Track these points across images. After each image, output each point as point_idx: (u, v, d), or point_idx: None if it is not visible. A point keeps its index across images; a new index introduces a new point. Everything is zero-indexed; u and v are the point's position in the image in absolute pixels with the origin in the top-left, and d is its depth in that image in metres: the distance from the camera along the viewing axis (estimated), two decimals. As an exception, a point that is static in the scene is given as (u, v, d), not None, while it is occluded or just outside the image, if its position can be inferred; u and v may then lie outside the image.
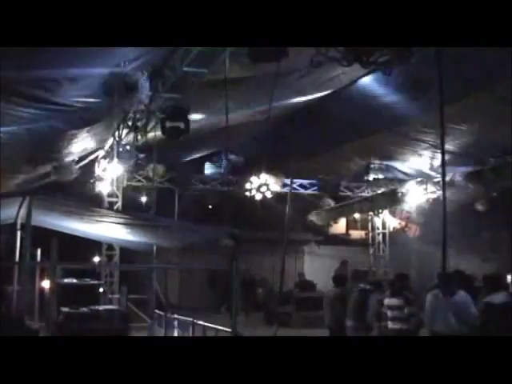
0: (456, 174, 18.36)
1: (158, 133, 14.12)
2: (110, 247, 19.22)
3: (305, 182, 22.39)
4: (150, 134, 15.38)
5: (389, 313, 11.77)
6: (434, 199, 19.56)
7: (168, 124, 13.42)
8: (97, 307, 15.36)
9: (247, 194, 20.89)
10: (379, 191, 22.08)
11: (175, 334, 13.80)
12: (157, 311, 15.30)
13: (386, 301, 11.91)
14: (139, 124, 15.43)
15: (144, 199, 20.58)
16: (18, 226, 13.48)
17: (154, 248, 14.24)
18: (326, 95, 14.54)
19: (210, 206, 22.56)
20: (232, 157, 19.98)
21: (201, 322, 13.26)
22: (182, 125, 13.32)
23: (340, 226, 26.17)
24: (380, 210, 23.44)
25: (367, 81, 13.25)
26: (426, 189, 20.14)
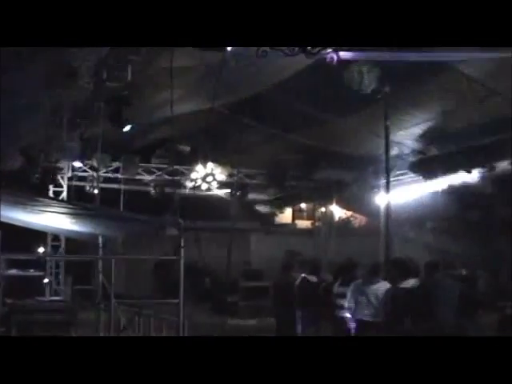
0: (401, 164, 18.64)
1: (104, 122, 13.99)
2: (56, 238, 19.02)
3: (251, 171, 22.38)
4: (95, 123, 15.21)
5: (338, 301, 11.90)
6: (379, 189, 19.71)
7: (113, 113, 13.31)
8: (42, 298, 15.21)
9: (193, 183, 20.82)
10: (326, 181, 22.22)
11: (121, 324, 13.72)
12: (102, 301, 15.18)
13: (335, 289, 12.03)
14: (83, 113, 15.25)
15: (89, 189, 20.39)
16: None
17: (100, 238, 14.12)
18: (272, 85, 14.54)
19: (156, 196, 22.44)
20: (178, 146, 19.89)
21: (147, 312, 13.24)
22: (126, 114, 13.23)
23: (286, 216, 26.28)
24: (326, 200, 23.57)
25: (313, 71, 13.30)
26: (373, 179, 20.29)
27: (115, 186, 20.94)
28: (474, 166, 16.93)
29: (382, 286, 10.87)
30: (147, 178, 21.67)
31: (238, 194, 21.91)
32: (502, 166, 16.45)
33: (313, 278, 12.83)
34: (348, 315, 11.52)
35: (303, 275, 12.97)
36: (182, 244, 10.66)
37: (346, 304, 11.18)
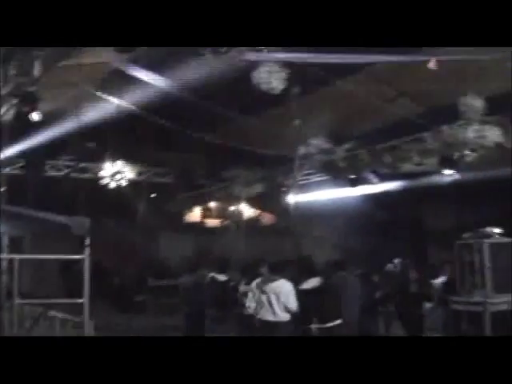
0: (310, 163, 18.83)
1: (8, 117, 13.66)
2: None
3: (160, 170, 22.23)
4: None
5: (243, 300, 11.93)
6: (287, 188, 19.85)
7: (19, 109, 13.02)
8: None
9: (102, 181, 20.54)
10: (236, 180, 22.25)
11: (27, 323, 13.44)
12: (6, 301, 14.83)
13: (241, 288, 12.06)
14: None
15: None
16: None
17: (6, 237, 13.79)
18: (182, 84, 14.46)
19: (63, 194, 22.03)
20: (87, 143, 19.60)
21: (53, 312, 12.99)
22: (34, 110, 12.95)
23: (195, 214, 26.19)
24: (235, 199, 23.60)
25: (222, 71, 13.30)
26: (282, 178, 20.42)
27: (22, 183, 20.47)
28: (381, 167, 17.24)
29: (283, 285, 10.91)
30: (56, 174, 21.26)
31: (146, 192, 21.76)
32: (408, 166, 16.79)
33: (221, 277, 12.83)
34: (251, 314, 11.59)
35: (212, 274, 12.97)
36: (88, 243, 10.52)
37: (247, 303, 11.21)
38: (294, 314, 10.78)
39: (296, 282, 11.23)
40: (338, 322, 11.06)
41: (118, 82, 12.28)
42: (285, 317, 10.79)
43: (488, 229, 10.12)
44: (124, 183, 20.58)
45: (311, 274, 11.40)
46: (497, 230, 10.16)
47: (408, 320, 12.99)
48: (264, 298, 10.92)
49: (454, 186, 17.78)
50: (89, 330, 10.61)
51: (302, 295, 10.83)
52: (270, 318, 10.87)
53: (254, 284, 11.15)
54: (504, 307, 9.37)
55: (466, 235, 10.26)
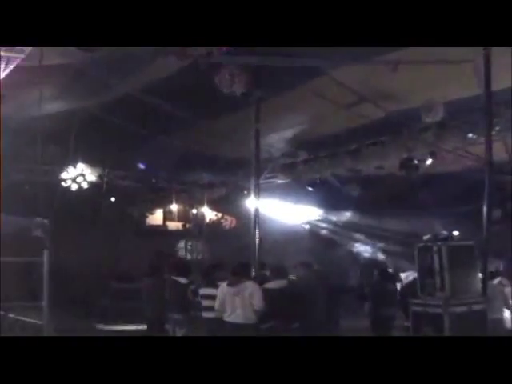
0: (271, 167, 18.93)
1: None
2: None
3: (122, 173, 22.12)
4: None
5: (204, 303, 11.94)
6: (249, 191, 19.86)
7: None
8: None
9: (63, 183, 20.37)
10: (197, 183, 22.26)
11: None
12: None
13: (202, 291, 12.06)
14: None
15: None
16: None
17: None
18: (145, 86, 14.42)
19: (24, 196, 21.82)
20: (48, 146, 19.42)
21: (11, 315, 12.87)
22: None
23: (157, 218, 26.12)
24: (197, 202, 23.59)
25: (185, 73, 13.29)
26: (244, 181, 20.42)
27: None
28: (341, 170, 17.38)
29: (249, 286, 10.96)
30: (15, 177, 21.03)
31: (108, 195, 21.65)
32: (368, 169, 16.94)
33: (182, 280, 12.81)
34: (214, 316, 11.61)
35: (173, 277, 12.95)
36: (47, 246, 10.45)
37: (215, 306, 11.22)
38: (260, 315, 10.84)
39: (260, 283, 11.31)
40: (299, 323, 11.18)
41: (81, 83, 12.21)
42: (252, 318, 10.84)
43: (447, 232, 10.26)
44: (85, 186, 20.45)
45: (277, 276, 11.49)
46: (456, 233, 10.31)
47: (374, 321, 13.13)
48: (230, 300, 10.95)
49: (413, 189, 18.01)
50: (48, 334, 10.53)
51: (266, 295, 10.90)
52: (237, 320, 10.90)
53: (220, 287, 11.17)
54: (463, 309, 9.49)
55: (425, 238, 10.37)
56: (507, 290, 13.11)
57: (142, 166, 21.90)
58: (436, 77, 12.11)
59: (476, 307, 9.65)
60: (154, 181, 22.46)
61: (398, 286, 14.29)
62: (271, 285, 11.36)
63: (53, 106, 14.07)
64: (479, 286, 9.92)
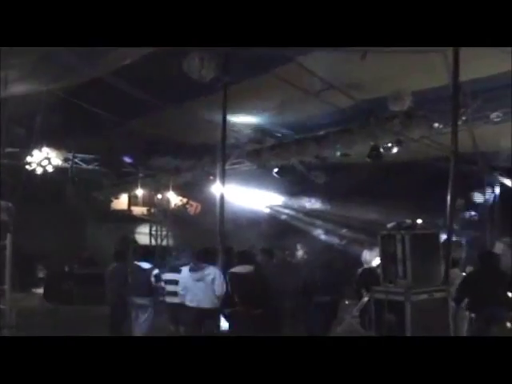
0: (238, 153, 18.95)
1: None
2: None
3: (87, 156, 21.98)
4: None
5: (167, 287, 11.97)
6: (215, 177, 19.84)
7: None
8: None
9: (28, 167, 20.19)
10: (163, 168, 22.18)
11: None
12: None
13: (165, 276, 12.08)
14: None
15: None
16: None
17: None
18: (113, 70, 14.31)
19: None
20: (13, 129, 19.23)
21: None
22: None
23: (122, 202, 26.01)
24: (163, 187, 23.51)
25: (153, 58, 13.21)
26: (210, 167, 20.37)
27: None
28: (308, 157, 17.41)
29: (209, 272, 10.99)
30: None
31: (73, 179, 21.51)
32: (334, 157, 17.00)
33: (145, 265, 12.80)
34: (178, 301, 11.64)
35: (135, 262, 12.93)
36: (11, 229, 10.38)
37: (178, 290, 11.24)
38: (223, 300, 10.89)
39: (226, 268, 11.35)
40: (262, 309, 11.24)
41: (48, 66, 12.08)
42: (214, 303, 10.88)
43: (411, 220, 10.31)
44: (50, 169, 20.30)
45: (242, 261, 11.53)
46: (419, 222, 10.37)
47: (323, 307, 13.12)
48: (194, 285, 10.97)
49: (379, 177, 18.13)
50: (10, 318, 10.46)
51: (231, 279, 10.94)
52: (199, 304, 10.93)
53: (182, 272, 11.18)
54: (424, 297, 9.57)
55: (389, 226, 10.42)
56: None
57: (128, 160, 21.83)
58: (404, 66, 12.17)
59: (437, 295, 9.74)
60: (120, 165, 22.34)
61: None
62: (237, 269, 11.41)
63: (18, 89, 13.93)
64: (441, 274, 10.01)
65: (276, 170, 18.23)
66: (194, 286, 10.99)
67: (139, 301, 12.59)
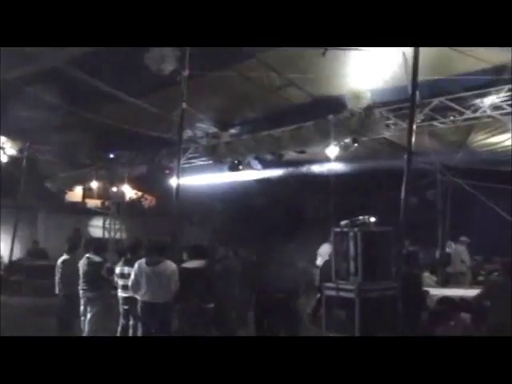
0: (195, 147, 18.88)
1: None
2: None
3: (42, 147, 21.68)
4: None
5: (119, 281, 11.87)
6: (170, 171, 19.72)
7: None
8: None
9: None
10: (119, 160, 22.01)
11: None
12: None
13: (118, 269, 11.97)
14: None
15: None
16: None
17: None
18: (70, 60, 14.13)
19: None
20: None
21: None
22: None
23: (76, 194, 25.77)
24: (118, 180, 23.31)
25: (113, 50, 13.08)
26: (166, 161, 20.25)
27: None
28: (264, 153, 17.38)
29: (166, 267, 10.92)
30: None
31: (27, 169, 21.22)
32: (291, 154, 17.00)
33: (96, 258, 12.69)
34: (127, 295, 11.56)
35: (87, 255, 12.82)
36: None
37: (129, 284, 11.14)
38: (176, 294, 10.83)
39: (178, 263, 11.29)
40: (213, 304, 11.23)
41: (3, 54, 11.87)
42: (168, 298, 10.81)
43: (363, 217, 10.34)
44: (5, 160, 20.02)
45: (195, 256, 11.47)
46: (372, 219, 10.39)
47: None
48: (147, 279, 10.88)
49: (333, 174, 18.19)
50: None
51: (182, 274, 10.88)
52: (152, 299, 10.85)
53: (136, 266, 11.08)
54: (375, 294, 9.62)
55: (342, 223, 10.45)
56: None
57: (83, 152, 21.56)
58: (363, 64, 12.22)
59: (388, 292, 9.79)
60: (75, 156, 22.08)
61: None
62: (189, 264, 11.35)
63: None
64: (392, 271, 10.06)
65: (230, 165, 18.16)
66: (148, 280, 10.89)
67: (89, 294, 12.49)
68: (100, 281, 12.44)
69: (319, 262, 14.52)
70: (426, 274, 14.78)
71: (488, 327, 9.95)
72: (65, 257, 13.41)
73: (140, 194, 24.26)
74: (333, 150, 15.49)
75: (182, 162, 14.33)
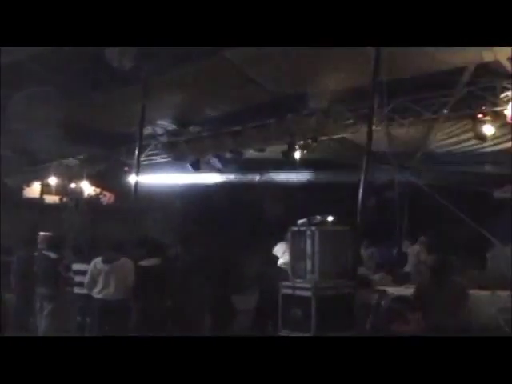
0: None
1: None
2: None
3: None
4: None
5: (76, 278, 11.81)
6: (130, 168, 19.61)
7: None
8: None
9: None
10: (78, 156, 21.83)
11: None
12: None
13: (74, 266, 11.91)
14: None
15: None
16: None
17: None
18: (32, 55, 13.99)
19: None
20: None
21: None
22: None
23: (34, 190, 25.47)
24: (77, 176, 23.11)
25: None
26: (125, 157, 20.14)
27: None
28: (223, 151, 17.37)
29: (122, 264, 10.88)
30: None
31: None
32: (250, 152, 17.01)
33: (52, 255, 12.58)
34: (83, 292, 11.50)
35: (43, 251, 12.72)
36: None
37: (85, 281, 11.09)
38: (132, 292, 10.79)
39: (136, 260, 11.25)
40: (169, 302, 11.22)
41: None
42: (124, 295, 10.77)
43: (321, 217, 10.37)
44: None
45: (153, 254, 11.43)
46: (330, 219, 10.43)
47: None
48: (104, 276, 10.83)
49: (292, 173, 18.25)
50: None
51: (139, 272, 10.85)
52: (108, 296, 10.80)
53: (92, 263, 11.02)
54: (331, 293, 9.67)
55: (299, 222, 10.48)
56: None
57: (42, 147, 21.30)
58: (325, 63, 12.24)
59: (344, 291, 9.85)
60: (33, 152, 21.85)
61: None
62: (145, 262, 11.31)
63: None
64: (349, 270, 10.12)
65: (191, 163, 18.10)
66: (105, 277, 10.84)
67: (45, 291, 12.39)
68: (55, 278, 12.34)
69: (281, 261, 14.48)
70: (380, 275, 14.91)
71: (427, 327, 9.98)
72: (20, 253, 13.31)
73: (99, 190, 24.04)
74: (292, 149, 15.52)
75: (141, 159, 14.27)
